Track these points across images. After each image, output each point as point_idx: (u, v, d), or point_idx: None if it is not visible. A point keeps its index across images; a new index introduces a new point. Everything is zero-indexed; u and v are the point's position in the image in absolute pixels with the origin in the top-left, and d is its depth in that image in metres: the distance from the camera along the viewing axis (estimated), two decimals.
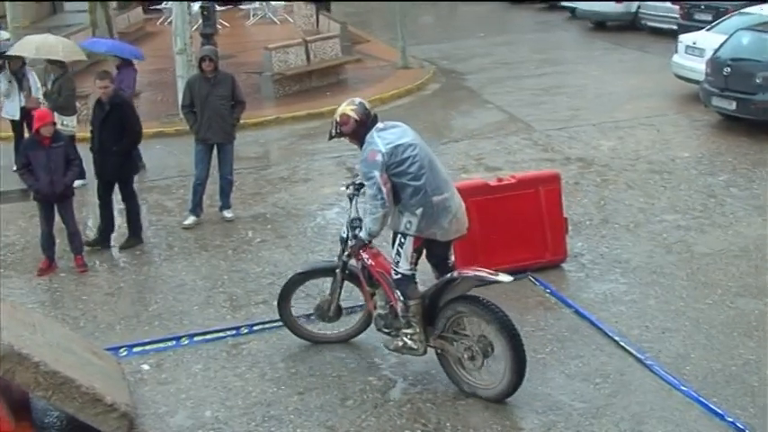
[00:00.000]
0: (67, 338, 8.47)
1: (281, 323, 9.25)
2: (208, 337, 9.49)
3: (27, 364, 7.22)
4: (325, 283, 9.01)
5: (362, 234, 8.12)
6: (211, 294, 10.66)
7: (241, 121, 13.64)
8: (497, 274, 7.77)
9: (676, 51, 19.38)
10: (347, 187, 8.94)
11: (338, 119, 8.06)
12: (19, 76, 15.52)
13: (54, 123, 11.42)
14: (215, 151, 12.98)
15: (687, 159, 14.68)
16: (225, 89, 12.80)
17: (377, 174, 7.73)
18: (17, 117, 15.48)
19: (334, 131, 8.15)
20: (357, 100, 8.23)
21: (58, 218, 11.60)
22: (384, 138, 7.90)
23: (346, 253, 8.57)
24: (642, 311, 9.40)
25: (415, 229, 7.88)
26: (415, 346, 8.13)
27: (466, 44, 29.17)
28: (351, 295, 9.21)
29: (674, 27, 24.18)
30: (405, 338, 8.16)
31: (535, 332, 9.04)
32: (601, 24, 30.20)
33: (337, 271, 8.72)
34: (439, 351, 8.15)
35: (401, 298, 8.07)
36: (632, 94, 19.82)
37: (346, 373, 8.56)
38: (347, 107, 8.08)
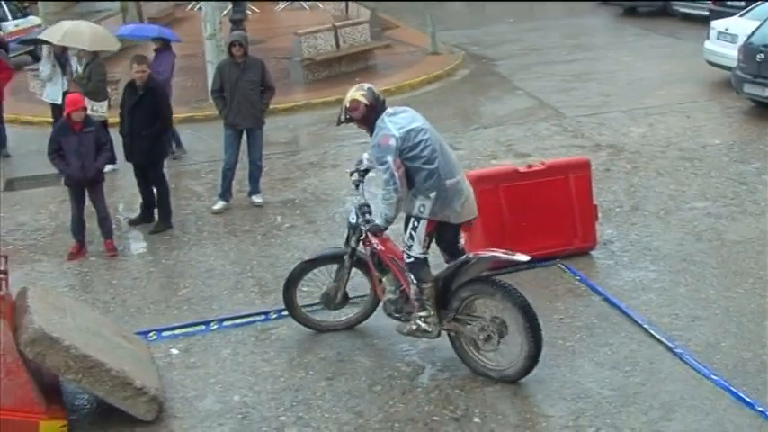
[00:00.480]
0: (97, 322, 8.52)
1: (309, 309, 9.26)
2: (237, 321, 9.52)
3: (57, 348, 7.27)
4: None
5: (379, 221, 8.10)
6: (240, 279, 10.69)
7: (271, 107, 13.68)
8: (514, 254, 7.81)
9: (708, 37, 19.22)
10: (352, 174, 8.87)
11: (347, 104, 8.04)
12: (62, 61, 15.58)
13: (85, 108, 11.47)
14: (244, 136, 13.01)
15: (718, 146, 14.55)
16: (254, 74, 12.82)
17: (390, 158, 7.74)
18: (59, 101, 15.51)
19: (343, 117, 8.14)
20: (366, 85, 8.23)
21: (88, 202, 11.66)
22: (396, 122, 7.91)
23: (355, 238, 8.56)
24: (672, 299, 9.33)
25: (428, 213, 7.90)
26: (429, 329, 8.13)
27: (495, 30, 29.07)
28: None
29: (706, 13, 23.97)
30: (418, 321, 8.15)
31: (564, 319, 9.01)
32: (632, 10, 30.03)
33: (346, 257, 8.71)
34: (452, 333, 8.16)
35: (414, 281, 8.08)
36: (663, 81, 19.68)
37: (375, 358, 8.56)
38: (356, 92, 8.05)
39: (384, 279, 8.52)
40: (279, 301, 9.78)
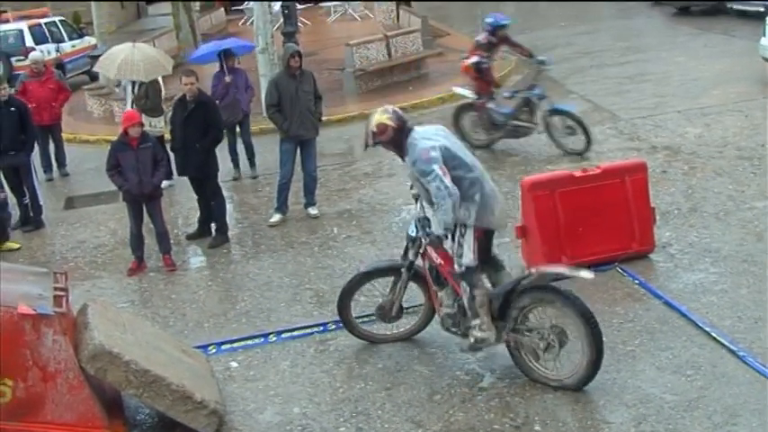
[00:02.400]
0: (157, 337, 8.60)
1: (366, 319, 9.28)
2: (295, 333, 9.55)
3: (118, 363, 7.35)
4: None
5: (438, 230, 8.06)
6: (298, 291, 10.73)
7: (324, 118, 13.78)
8: (578, 270, 7.85)
9: (764, 34, 18.91)
10: (412, 187, 8.81)
11: (374, 129, 8.04)
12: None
13: (141, 124, 11.61)
14: (298, 149, 13.07)
15: None
16: (309, 85, 12.96)
17: (436, 167, 7.76)
18: None
19: (370, 141, 8.14)
20: (390, 108, 8.26)
21: (146, 218, 11.78)
22: (428, 137, 7.99)
23: (414, 251, 8.53)
24: (734, 301, 9.19)
25: (473, 219, 7.94)
26: (486, 335, 8.07)
27: (547, 34, 28.90)
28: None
29: (762, 9, 23.59)
30: (475, 332, 8.10)
31: (624, 324, 8.91)
32: (685, 9, 29.69)
33: (403, 270, 8.67)
34: (512, 344, 8.11)
35: (467, 289, 8.08)
36: (719, 80, 19.42)
37: (434, 368, 8.53)
38: (382, 116, 8.06)
39: (442, 293, 8.50)
40: (336, 312, 9.83)
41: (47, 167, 17.08)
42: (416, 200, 8.71)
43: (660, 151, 14.56)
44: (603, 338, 7.74)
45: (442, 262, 8.30)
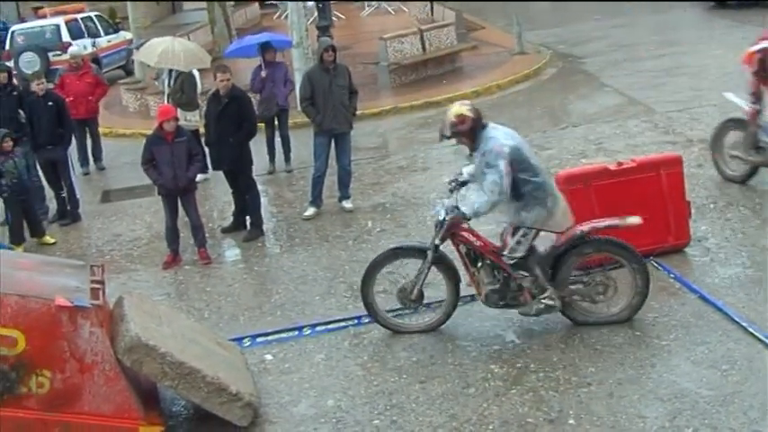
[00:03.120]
0: (192, 329, 8.66)
1: (401, 312, 9.31)
2: (330, 326, 9.58)
3: (154, 355, 7.40)
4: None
5: (466, 210, 8.39)
6: (332, 284, 10.76)
7: (358, 112, 13.76)
8: (626, 219, 8.70)
9: None
10: (450, 182, 9.17)
11: (454, 119, 8.31)
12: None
13: (177, 118, 11.67)
14: (333, 143, 13.09)
15: None
16: (343, 79, 12.96)
17: (502, 163, 8.11)
18: None
19: (448, 132, 8.40)
20: (467, 101, 8.72)
21: (182, 212, 11.85)
22: (506, 134, 8.38)
23: (441, 234, 8.70)
24: None
25: (541, 223, 8.39)
26: (554, 303, 8.61)
27: (582, 27, 28.81)
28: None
29: None
30: (544, 301, 8.59)
31: (659, 318, 8.87)
32: (722, 2, 29.40)
33: (428, 252, 8.82)
34: (566, 299, 8.69)
35: (525, 275, 8.52)
36: None
37: (468, 361, 8.53)
38: (461, 107, 8.41)
39: (481, 273, 8.72)
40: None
41: (83, 161, 17.20)
42: (451, 192, 9.00)
43: (696, 145, 14.45)
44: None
45: (481, 243, 8.65)
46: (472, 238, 8.67)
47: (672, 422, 7.20)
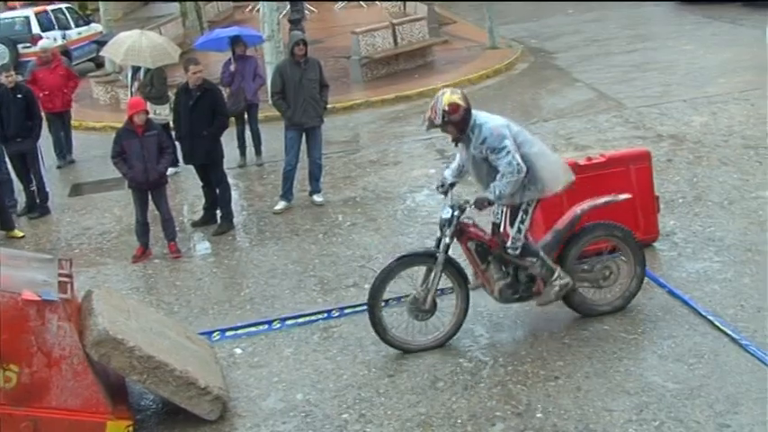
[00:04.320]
0: (161, 323, 8.63)
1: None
2: (299, 320, 9.56)
3: (122, 349, 7.38)
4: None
5: (489, 195, 8.21)
6: (302, 278, 10.76)
7: (330, 105, 13.76)
8: (618, 195, 9.01)
9: None
10: (438, 188, 8.94)
11: (446, 107, 8.09)
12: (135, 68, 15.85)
13: (147, 111, 11.62)
14: (303, 137, 13.08)
15: None
16: (314, 73, 12.93)
17: (509, 143, 8.08)
18: None
19: (439, 120, 8.15)
20: (457, 90, 8.48)
21: (152, 205, 11.82)
22: (493, 117, 8.35)
23: (451, 233, 8.40)
24: (737, 290, 9.19)
25: (548, 187, 8.42)
26: (566, 280, 8.62)
27: (554, 22, 28.93)
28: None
29: None
30: (558, 282, 8.59)
31: (627, 312, 8.92)
32: None
33: (438, 255, 8.45)
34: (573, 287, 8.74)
35: (533, 260, 8.51)
36: (725, 69, 19.39)
37: (437, 354, 8.54)
38: (453, 96, 8.20)
39: (490, 269, 8.60)
40: (341, 299, 9.91)
41: (60, 155, 17.12)
42: (446, 194, 8.79)
43: (665, 140, 14.55)
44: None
45: (490, 237, 8.54)
46: (481, 233, 8.51)
47: (638, 415, 7.24)
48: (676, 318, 8.75)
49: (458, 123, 8.17)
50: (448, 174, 8.85)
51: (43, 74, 16.53)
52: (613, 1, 30.42)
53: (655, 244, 10.43)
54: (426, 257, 8.62)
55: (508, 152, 8.03)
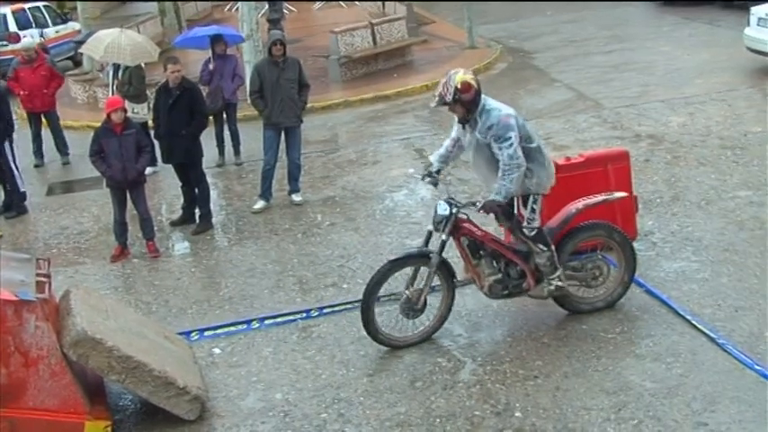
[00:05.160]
0: (140, 323, 8.60)
1: (350, 306, 9.32)
2: (278, 320, 9.56)
3: (101, 349, 7.34)
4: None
5: (497, 196, 8.20)
6: (281, 278, 10.74)
7: (309, 105, 13.73)
8: (613, 194, 9.23)
9: (749, 24, 18.95)
10: (424, 178, 8.82)
11: (459, 85, 8.07)
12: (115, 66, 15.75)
13: (125, 110, 11.55)
14: (282, 136, 13.06)
15: (760, 134, 14.33)
16: (293, 73, 12.89)
17: (513, 135, 8.10)
18: None
19: (450, 98, 8.10)
20: (470, 71, 8.46)
21: (130, 205, 11.77)
22: (503, 105, 8.33)
23: (448, 230, 8.34)
24: (714, 290, 9.24)
25: (544, 188, 8.52)
26: (564, 284, 8.68)
27: (533, 22, 29.00)
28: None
29: None
30: (556, 282, 8.64)
31: (605, 312, 8.95)
32: None
33: (432, 256, 8.43)
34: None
35: (543, 248, 8.52)
36: (703, 69, 19.49)
37: (415, 354, 8.55)
38: (466, 76, 8.19)
39: (482, 265, 8.61)
40: (320, 299, 9.90)
41: (37, 154, 17.02)
42: (435, 185, 8.81)
43: (643, 140, 14.62)
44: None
45: (483, 233, 8.56)
46: (474, 229, 8.50)
47: (617, 414, 7.27)
48: (654, 317, 8.79)
49: (467, 103, 8.15)
50: (434, 159, 8.81)
51: (25, 73, 16.42)
52: (593, 0, 30.54)
53: (633, 243, 10.43)
54: (420, 258, 8.58)
55: (511, 144, 8.05)
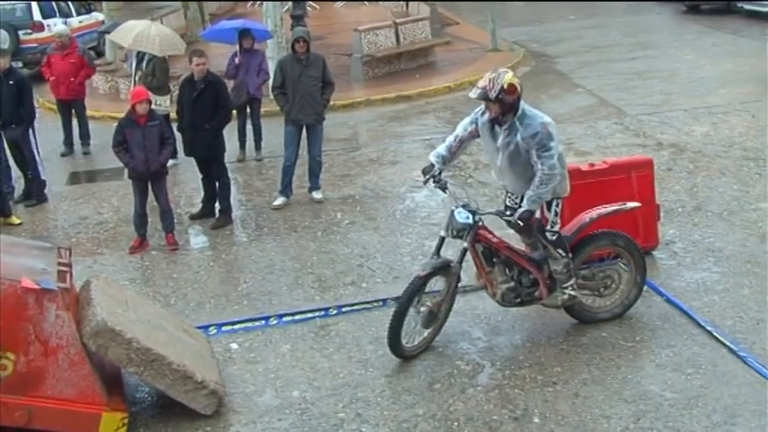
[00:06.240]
0: (159, 316, 8.60)
1: (369, 305, 9.30)
2: (296, 317, 9.54)
3: (120, 341, 7.34)
4: None
5: (533, 205, 8.18)
6: (300, 275, 10.72)
7: (331, 103, 13.70)
8: (626, 204, 9.16)
9: None
10: (426, 182, 8.67)
11: (505, 86, 7.99)
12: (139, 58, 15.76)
13: (149, 101, 11.55)
14: (304, 133, 13.04)
15: None
16: (316, 70, 12.86)
17: (555, 144, 8.11)
18: None
19: (494, 95, 7.98)
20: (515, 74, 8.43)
21: (151, 197, 11.77)
22: (540, 113, 8.31)
23: (470, 237, 8.27)
24: (736, 301, 9.19)
25: (567, 191, 8.56)
26: (576, 294, 8.67)
27: (556, 27, 28.94)
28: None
29: None
30: (570, 291, 8.60)
31: (625, 320, 8.92)
32: (694, 7, 29.61)
33: (453, 264, 8.38)
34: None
35: (562, 254, 8.50)
36: (726, 79, 19.42)
37: (434, 357, 8.52)
38: (514, 78, 8.13)
39: (494, 271, 8.56)
40: (339, 297, 9.89)
41: (66, 142, 17.07)
42: (444, 189, 8.61)
43: (666, 148, 14.56)
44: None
45: (498, 240, 8.50)
46: (490, 236, 8.44)
47: (636, 423, 7.24)
48: (675, 327, 8.75)
49: (506, 105, 8.08)
50: (435, 160, 8.62)
51: (56, 59, 16.52)
52: (616, 1, 30.47)
53: (654, 252, 10.42)
54: (443, 268, 8.43)
55: (553, 155, 8.04)
